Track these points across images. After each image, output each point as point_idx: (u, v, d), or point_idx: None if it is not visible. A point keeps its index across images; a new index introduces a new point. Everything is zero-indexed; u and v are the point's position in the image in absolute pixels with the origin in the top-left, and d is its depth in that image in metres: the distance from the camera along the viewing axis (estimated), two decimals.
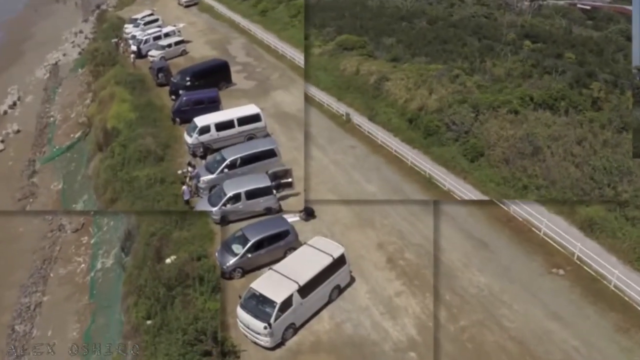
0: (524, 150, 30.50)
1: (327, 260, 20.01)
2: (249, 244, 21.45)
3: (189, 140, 26.39)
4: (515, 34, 56.98)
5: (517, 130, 31.81)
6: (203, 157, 26.30)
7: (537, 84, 37.77)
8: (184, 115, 28.17)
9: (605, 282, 19.86)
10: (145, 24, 42.80)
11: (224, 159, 23.75)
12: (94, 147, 30.23)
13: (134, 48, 39.45)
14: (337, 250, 20.52)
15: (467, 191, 28.34)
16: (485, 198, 27.34)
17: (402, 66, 42.62)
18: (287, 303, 19.08)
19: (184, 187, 24.31)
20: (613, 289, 20.09)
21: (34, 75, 42.61)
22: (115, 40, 42.40)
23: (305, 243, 21.33)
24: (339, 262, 20.27)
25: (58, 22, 50.18)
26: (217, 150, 25.18)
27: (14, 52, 45.52)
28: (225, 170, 23.67)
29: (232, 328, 20.01)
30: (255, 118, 27.03)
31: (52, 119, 36.98)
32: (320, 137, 34.90)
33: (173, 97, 31.20)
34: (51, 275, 29.59)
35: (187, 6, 48.69)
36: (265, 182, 23.46)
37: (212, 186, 23.80)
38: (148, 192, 24.99)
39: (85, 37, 48.16)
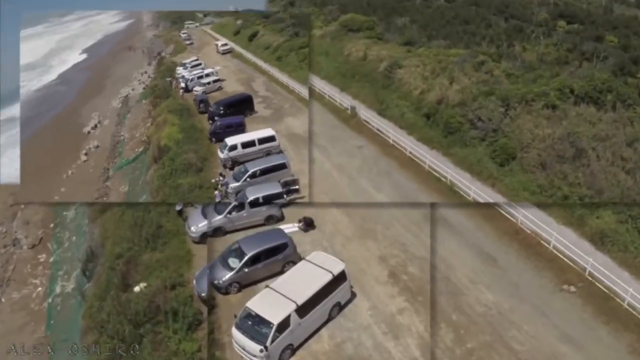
0: (563, 153, 27.33)
1: (326, 278, 20.29)
2: (245, 258, 22.01)
3: (221, 155, 33.62)
4: (547, 13, 53.84)
5: (556, 129, 28.67)
6: (232, 168, 32.54)
7: (576, 72, 34.66)
8: (218, 136, 36.31)
9: (618, 299, 19.97)
10: (191, 67, 58.03)
11: (247, 170, 29.69)
12: (151, 159, 37.76)
13: (182, 85, 53.26)
14: (337, 267, 20.72)
15: (539, 210, 25.36)
16: (488, 200, 26.13)
17: (417, 51, 39.47)
18: (284, 324, 19.02)
19: (216, 192, 29.30)
20: (627, 307, 19.98)
21: (111, 105, 58.71)
22: (169, 79, 57.93)
23: (303, 259, 21.55)
24: (339, 279, 20.50)
25: (130, 65, 69.08)
26: (242, 163, 31.93)
27: (98, 87, 63.49)
28: (248, 179, 29.22)
29: (228, 348, 19.94)
30: (271, 139, 33.50)
31: (122, 137, 49.73)
32: (322, 136, 32.78)
33: (210, 121, 40.55)
34: (2, 300, 27.95)
35: (223, 54, 66.05)
36: (278, 189, 27.18)
37: (238, 191, 28.86)
38: (189, 195, 29.64)
39: (149, 77, 65.59)
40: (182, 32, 78.01)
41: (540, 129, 29.11)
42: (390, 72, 36.70)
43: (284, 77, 48.73)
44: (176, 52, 70.17)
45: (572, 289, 20.81)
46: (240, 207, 26.16)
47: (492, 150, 29.15)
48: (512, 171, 28.18)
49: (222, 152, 33.70)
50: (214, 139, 36.71)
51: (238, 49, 66.90)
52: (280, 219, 26.03)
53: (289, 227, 24.81)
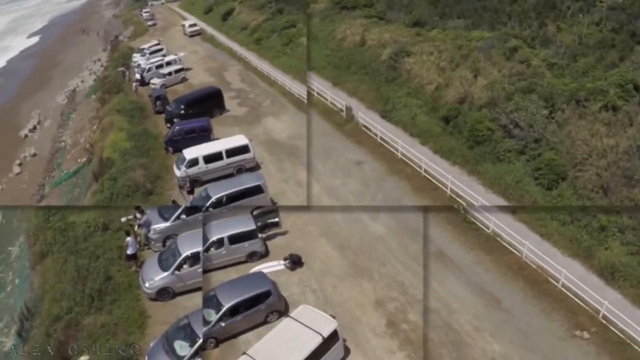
0: (632, 172, 22.79)
1: (315, 341, 19.02)
2: (222, 310, 20.35)
3: (177, 173, 28.52)
4: None
5: (619, 139, 23.99)
6: (190, 191, 27.73)
7: (637, 60, 29.92)
8: (176, 145, 31.09)
9: (636, 347, 18.98)
10: (150, 53, 51.79)
11: (208, 196, 24.64)
12: (92, 176, 32.81)
13: (137, 76, 46.91)
14: (327, 327, 19.40)
15: (544, 241, 22.20)
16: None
17: (430, 34, 34.53)
18: None
19: (128, 239, 22.59)
20: None
21: (55, 101, 52.42)
22: (122, 68, 51.30)
23: (288, 315, 20.19)
24: (330, 340, 19.25)
25: (82, 51, 63.59)
26: (207, 182, 27.56)
27: (44, 78, 57.33)
28: (180, 218, 24.05)
29: None
30: (243, 149, 28.61)
31: (63, 143, 43.79)
32: (304, 153, 28.43)
33: (168, 125, 35.16)
34: None
35: (191, 36, 60.54)
36: (250, 225, 23.02)
37: (166, 237, 23.81)
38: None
39: (101, 65, 59.18)
40: (143, 10, 72.09)
41: (598, 138, 24.30)
42: (396, 62, 31.74)
43: (264, 65, 43.37)
44: (135, 35, 63.48)
45: (586, 334, 20.03)
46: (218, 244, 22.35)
47: (534, 167, 24.32)
48: (563, 197, 23.49)
49: (179, 168, 28.54)
50: (170, 149, 31.51)
51: (210, 30, 61.30)
52: (265, 254, 23.02)
53: (274, 266, 22.47)
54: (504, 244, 21.86)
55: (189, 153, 28.23)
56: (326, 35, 36.45)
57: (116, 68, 52.52)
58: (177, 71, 45.72)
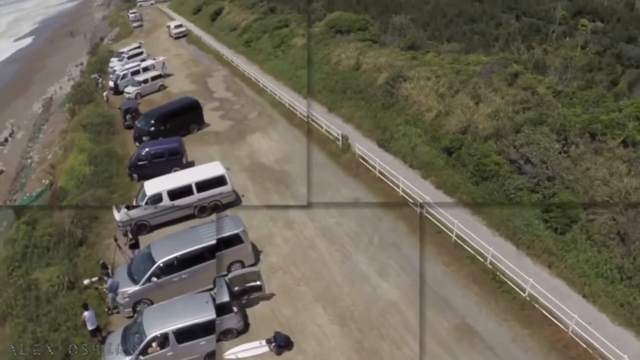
0: None
1: None
2: None
3: (117, 215, 19.28)
4: (564, 10, 42.47)
5: None
6: (134, 244, 18.24)
7: None
8: (142, 171, 22.37)
9: None
10: (129, 58, 40.38)
11: (153, 262, 16.25)
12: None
13: (111, 84, 36.38)
14: None
15: (588, 303, 15.40)
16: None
17: (425, 57, 27.88)
18: None
19: (86, 313, 15.10)
20: None
21: (32, 109, 41.65)
22: (95, 75, 39.89)
23: None
24: None
25: (68, 55, 52.24)
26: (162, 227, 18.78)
27: (24, 84, 46.22)
28: (154, 278, 16.09)
29: None
30: (218, 181, 19.87)
31: (29, 160, 34.19)
32: (300, 181, 21.49)
33: (137, 144, 25.64)
34: None
35: (176, 38, 49.41)
36: (223, 296, 15.15)
37: (137, 302, 16.18)
38: (49, 307, 16.39)
39: (81, 70, 47.34)
40: (130, 11, 58.96)
41: (617, 177, 17.78)
42: (393, 87, 25.14)
43: (252, 70, 33.81)
44: (119, 37, 51.42)
45: None
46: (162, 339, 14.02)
47: (546, 209, 17.87)
48: (577, 243, 17.26)
49: (118, 208, 19.04)
50: (135, 175, 22.58)
51: (197, 31, 50.01)
52: (242, 331, 15.24)
53: (255, 348, 14.79)
54: (544, 311, 14.75)
55: (150, 187, 19.22)
56: (321, 58, 29.75)
57: (91, 74, 40.77)
58: (154, 78, 34.83)
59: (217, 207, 19.79)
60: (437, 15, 41.06)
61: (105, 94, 35.30)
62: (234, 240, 16.79)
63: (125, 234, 18.70)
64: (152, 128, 25.88)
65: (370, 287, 15.92)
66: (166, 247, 16.43)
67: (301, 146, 23.75)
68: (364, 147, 22.20)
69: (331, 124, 24.01)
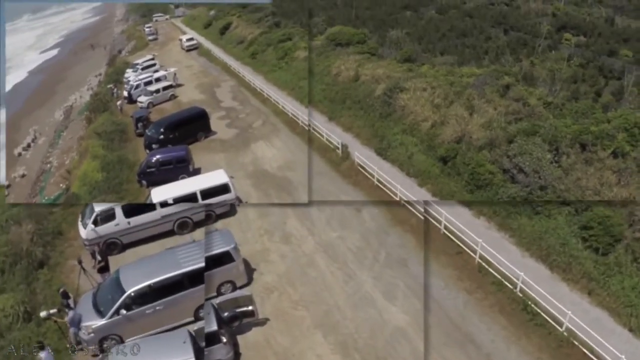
0: None
1: None
2: None
3: (82, 232, 16.26)
4: (549, 25, 42.00)
5: (633, 190, 17.05)
6: (103, 267, 15.37)
7: (635, 100, 22.83)
8: (151, 178, 21.62)
9: None
10: (143, 69, 39.98)
11: (122, 291, 13.24)
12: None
13: (125, 94, 35.91)
14: None
15: (635, 338, 13.07)
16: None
17: (420, 69, 27.30)
18: None
19: (41, 355, 12.33)
20: None
21: (53, 117, 40.57)
22: (111, 85, 39.42)
23: None
24: None
25: (87, 66, 50.67)
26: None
27: (48, 93, 45.81)
28: (124, 311, 13.29)
29: None
30: (223, 189, 18.64)
31: (49, 165, 33.21)
32: (299, 189, 20.35)
33: (148, 151, 24.96)
34: None
35: (188, 50, 48.39)
36: (212, 325, 12.40)
37: (103, 338, 13.33)
38: (2, 342, 13.31)
39: (99, 81, 46.19)
40: (146, 25, 58.43)
41: (608, 187, 17.21)
42: (390, 98, 24.46)
43: (258, 80, 33.50)
44: (135, 50, 50.95)
45: None
46: None
47: (582, 226, 16.26)
48: (621, 266, 15.73)
49: (84, 223, 16.44)
50: (144, 182, 21.68)
51: (207, 44, 49.59)
52: None
53: None
54: (584, 349, 12.41)
55: (157, 194, 17.62)
56: (322, 70, 29.06)
57: (108, 84, 40.36)
58: (165, 88, 34.36)
59: (210, 217, 17.95)
60: (431, 29, 40.55)
61: (119, 103, 34.55)
62: (224, 258, 14.60)
63: (93, 255, 15.62)
64: (162, 136, 25.21)
65: (375, 311, 13.84)
66: (138, 273, 13.62)
67: (303, 154, 22.70)
68: (362, 155, 21.33)
69: (331, 133, 23.22)
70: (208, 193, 18.40)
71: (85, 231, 16.49)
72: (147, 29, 60.54)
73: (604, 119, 19.71)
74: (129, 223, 16.94)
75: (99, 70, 50.56)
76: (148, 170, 21.92)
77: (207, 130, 26.64)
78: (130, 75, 39.54)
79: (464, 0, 49.51)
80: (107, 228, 16.66)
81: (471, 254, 15.45)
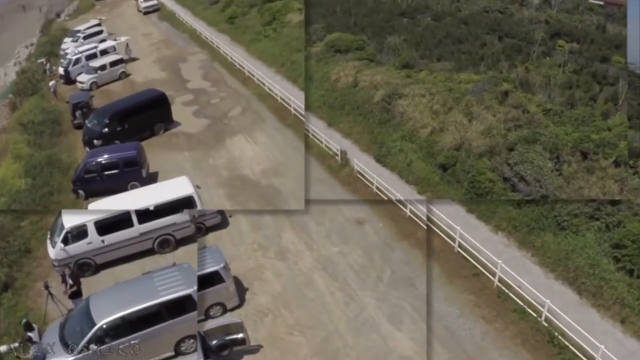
0: None
1: None
2: None
3: (51, 252, 13.37)
4: (542, 31, 40.49)
5: (638, 196, 15.66)
6: (74, 293, 12.56)
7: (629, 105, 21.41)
8: (90, 186, 16.40)
9: None
10: (85, 38, 29.20)
11: (92, 323, 10.83)
12: None
13: (61, 70, 26.41)
14: None
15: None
16: None
17: (419, 75, 25.91)
18: None
19: None
20: None
21: None
22: (42, 60, 28.62)
23: None
24: None
25: (18, 34, 37.04)
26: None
27: None
28: (94, 345, 10.89)
29: None
30: (186, 202, 14.32)
31: None
32: (293, 200, 17.60)
33: (87, 148, 19.00)
34: None
35: (145, 13, 35.79)
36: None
37: None
38: None
39: (30, 53, 33.75)
40: None
41: (610, 196, 15.82)
42: (389, 104, 23.09)
43: (237, 53, 25.40)
44: (78, 13, 37.76)
45: None
46: None
47: (614, 244, 14.46)
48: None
49: (53, 242, 13.64)
50: (81, 192, 16.61)
51: (172, 5, 37.15)
52: None
53: None
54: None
55: (70, 217, 13.13)
56: (321, 76, 27.67)
57: (38, 58, 29.62)
58: (114, 63, 25.55)
59: (167, 242, 14.19)
60: (427, 36, 39.21)
61: (51, 83, 25.54)
62: (214, 278, 12.61)
63: (63, 279, 12.77)
64: (106, 129, 19.00)
65: (379, 338, 12.16)
66: (110, 303, 11.56)
67: (296, 152, 18.69)
68: (362, 162, 20.09)
69: (330, 139, 21.97)
70: (168, 208, 14.28)
71: (54, 251, 13.89)
72: None
73: (604, 126, 18.48)
74: (103, 241, 14.14)
75: (31, 39, 36.55)
76: (86, 176, 16.76)
77: (167, 121, 20.37)
78: (69, 46, 29.27)
79: (459, 8, 48.04)
80: (78, 247, 13.92)
81: (489, 276, 13.45)
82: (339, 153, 20.96)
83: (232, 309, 13.23)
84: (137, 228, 14.35)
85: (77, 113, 21.36)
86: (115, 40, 28.23)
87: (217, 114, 21.39)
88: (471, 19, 45.57)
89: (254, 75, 23.60)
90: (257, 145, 19.34)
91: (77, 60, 26.23)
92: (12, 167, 18.03)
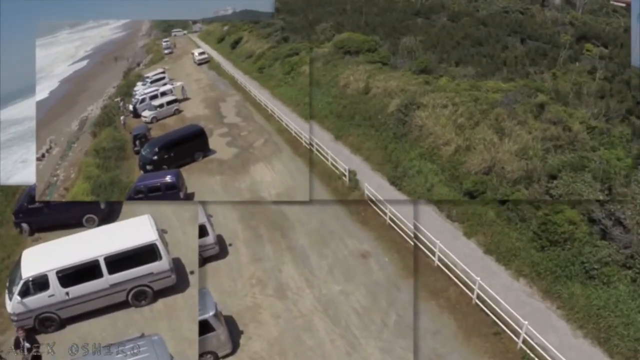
0: None
1: None
2: None
3: (9, 306, 11.73)
4: (568, 34, 36.85)
5: None
6: (35, 357, 10.46)
7: None
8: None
9: None
10: (152, 82, 36.20)
11: None
12: None
13: (130, 107, 32.65)
14: None
15: None
16: None
17: (439, 82, 22.52)
18: None
19: None
20: None
21: (70, 127, 37.29)
22: (118, 98, 35.71)
23: None
24: None
25: (108, 78, 46.77)
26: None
27: (70, 103, 42.69)
28: None
29: None
30: (148, 254, 12.38)
31: (55, 178, 29.86)
32: (299, 226, 15.79)
33: (142, 172, 22.24)
34: None
35: (199, 64, 44.17)
36: None
37: None
38: None
39: (112, 94, 42.13)
40: (164, 40, 61.21)
41: None
42: (406, 115, 19.68)
43: (263, 96, 30.39)
44: (151, 63, 47.42)
45: None
46: None
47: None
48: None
49: (10, 294, 12.00)
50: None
51: (219, 58, 46.25)
52: None
53: None
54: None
55: (29, 265, 11.75)
56: (329, 80, 24.47)
57: (116, 97, 37.47)
58: (169, 103, 31.09)
59: (143, 295, 12.47)
60: (444, 37, 35.60)
61: (122, 117, 31.36)
62: (203, 327, 11.00)
63: (17, 343, 10.49)
64: (155, 157, 22.05)
65: None
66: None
67: (303, 179, 18.46)
68: (373, 184, 16.60)
69: (337, 155, 18.68)
70: (121, 262, 12.32)
71: (11, 304, 11.85)
72: (164, 43, 58.76)
73: None
74: (67, 294, 12.15)
75: (117, 82, 47.17)
76: (136, 197, 18.38)
77: (205, 150, 23.24)
78: (139, 88, 35.96)
79: (477, 8, 44.30)
80: (39, 300, 11.92)
81: (512, 335, 10.97)
82: (346, 173, 17.75)
83: (225, 357, 11.77)
84: (107, 279, 12.48)
85: (137, 142, 25.21)
86: (172, 84, 34.31)
87: (244, 144, 24.70)
88: (490, 19, 41.76)
89: (274, 113, 26.73)
90: (274, 171, 20.86)
91: (143, 100, 31.74)
92: (82, 186, 20.77)
